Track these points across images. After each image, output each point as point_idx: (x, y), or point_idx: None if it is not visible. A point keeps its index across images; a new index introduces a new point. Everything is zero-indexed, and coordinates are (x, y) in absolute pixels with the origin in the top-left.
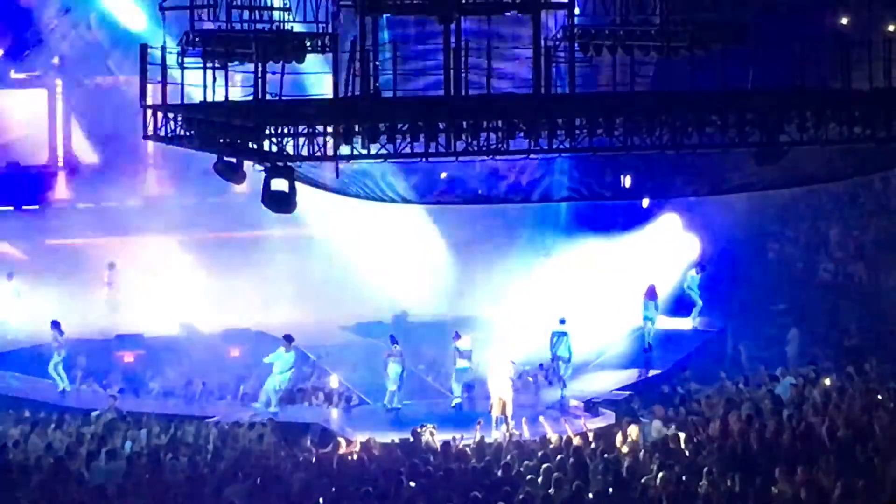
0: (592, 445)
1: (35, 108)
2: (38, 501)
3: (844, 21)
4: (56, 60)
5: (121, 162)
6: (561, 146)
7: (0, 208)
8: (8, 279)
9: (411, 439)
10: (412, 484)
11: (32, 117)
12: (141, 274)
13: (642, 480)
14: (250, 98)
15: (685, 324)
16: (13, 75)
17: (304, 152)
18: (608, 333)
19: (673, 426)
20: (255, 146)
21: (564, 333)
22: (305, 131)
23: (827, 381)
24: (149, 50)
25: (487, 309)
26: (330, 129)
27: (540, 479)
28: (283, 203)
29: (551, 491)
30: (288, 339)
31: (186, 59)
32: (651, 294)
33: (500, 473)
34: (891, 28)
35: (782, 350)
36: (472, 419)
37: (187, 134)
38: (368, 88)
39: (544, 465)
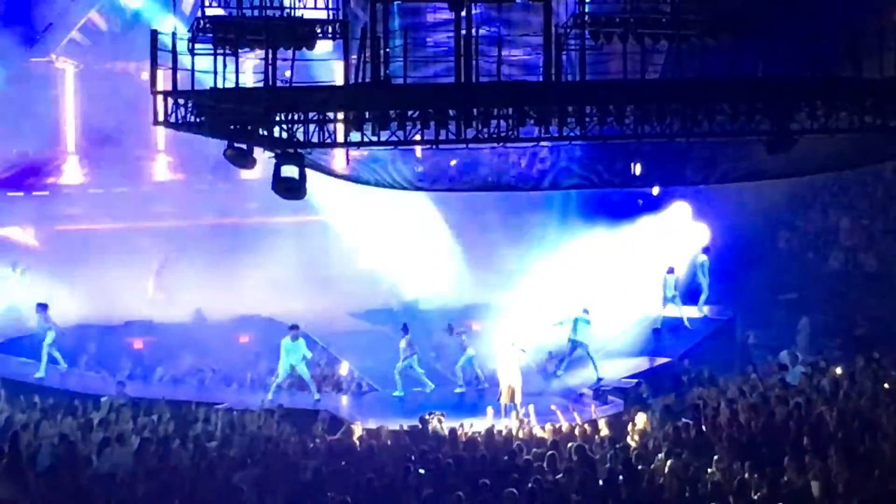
0: (601, 433)
1: (45, 94)
2: (47, 487)
3: None
4: (67, 46)
5: (131, 148)
6: (571, 134)
7: (10, 193)
8: (13, 267)
9: (420, 426)
10: (421, 471)
11: (43, 102)
12: (151, 260)
13: (651, 468)
14: (261, 84)
15: (693, 312)
16: (24, 60)
17: (315, 139)
18: (618, 321)
19: (682, 414)
20: (266, 133)
21: (587, 321)
22: (316, 118)
23: (837, 370)
24: (159, 36)
25: (496, 296)
26: (340, 116)
27: (549, 467)
28: (293, 190)
29: (560, 478)
30: (293, 328)
31: (197, 46)
32: (671, 274)
33: (508, 461)
34: None
35: (792, 339)
36: (480, 407)
37: (197, 120)
38: (379, 75)
39: (553, 453)
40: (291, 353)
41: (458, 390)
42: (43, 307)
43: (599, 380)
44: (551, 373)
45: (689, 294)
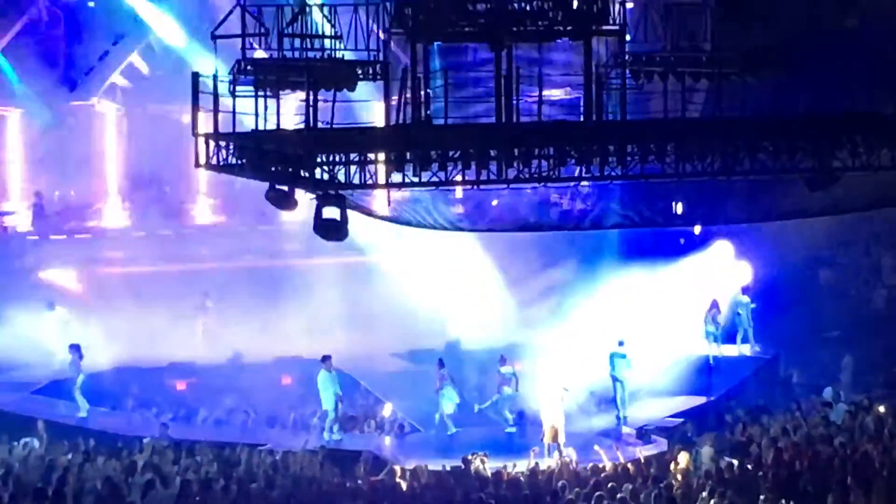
0: (645, 473)
1: (87, 137)
2: None
3: None
4: (108, 89)
5: (173, 190)
6: (612, 173)
7: (53, 237)
8: (49, 308)
9: (463, 467)
10: None
11: (85, 145)
12: (194, 302)
13: None
14: (302, 126)
15: (733, 350)
16: (66, 103)
17: (356, 180)
18: (661, 360)
19: (726, 453)
20: (307, 174)
21: (623, 355)
22: (357, 159)
23: (881, 408)
24: (200, 78)
25: (539, 336)
26: (381, 157)
27: None
28: (334, 231)
29: None
30: (324, 359)
31: (238, 88)
32: (714, 309)
33: (552, 501)
34: None
35: (835, 377)
36: (523, 447)
37: (239, 162)
38: (420, 116)
39: (597, 493)
40: (331, 385)
41: (508, 430)
42: (76, 348)
43: (622, 419)
44: (619, 419)
45: (729, 333)
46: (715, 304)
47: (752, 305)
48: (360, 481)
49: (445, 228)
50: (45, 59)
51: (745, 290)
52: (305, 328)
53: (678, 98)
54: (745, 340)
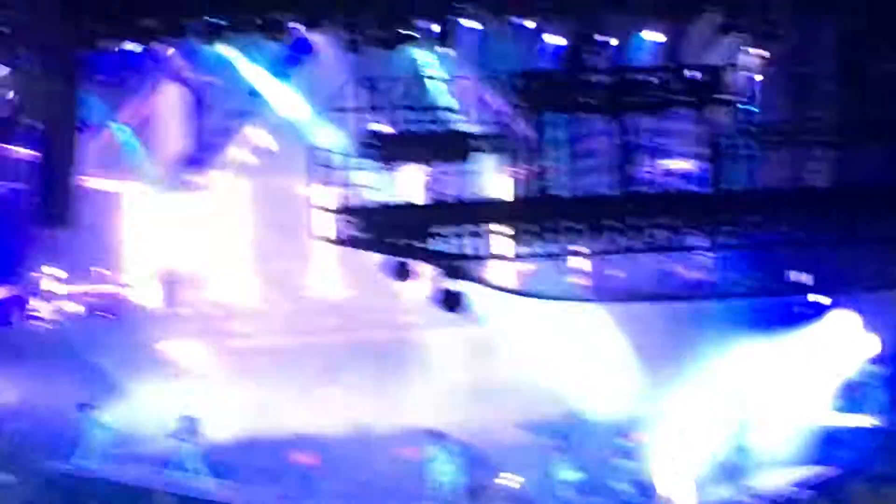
0: None
1: (211, 211)
2: None
3: None
4: (229, 161)
5: (293, 263)
6: (733, 242)
7: (177, 310)
8: (172, 380)
9: None
10: None
11: (208, 219)
12: (315, 374)
13: None
14: (422, 199)
15: (863, 420)
16: (190, 179)
17: (477, 252)
18: (785, 430)
19: None
20: (427, 247)
21: (747, 425)
22: (477, 231)
23: None
24: (319, 151)
25: (663, 405)
26: (501, 229)
27: None
28: (455, 303)
29: None
30: (436, 435)
31: (358, 160)
32: (847, 390)
33: None
34: None
35: None
36: None
37: (359, 235)
38: (539, 187)
39: None
40: (444, 460)
41: (629, 501)
42: (189, 420)
43: (746, 489)
44: (744, 488)
45: (856, 403)
46: (848, 385)
47: (883, 372)
48: None
49: (566, 299)
50: (169, 136)
51: (874, 360)
52: (428, 400)
53: (801, 166)
54: (871, 411)
